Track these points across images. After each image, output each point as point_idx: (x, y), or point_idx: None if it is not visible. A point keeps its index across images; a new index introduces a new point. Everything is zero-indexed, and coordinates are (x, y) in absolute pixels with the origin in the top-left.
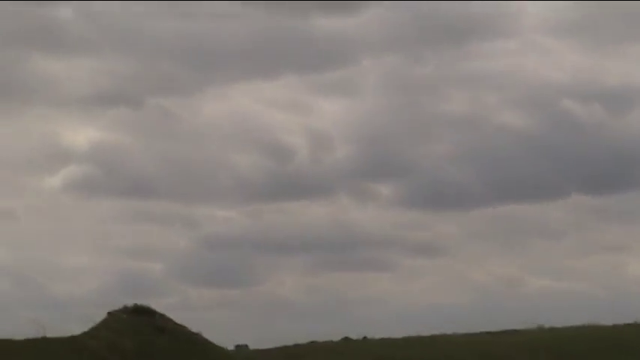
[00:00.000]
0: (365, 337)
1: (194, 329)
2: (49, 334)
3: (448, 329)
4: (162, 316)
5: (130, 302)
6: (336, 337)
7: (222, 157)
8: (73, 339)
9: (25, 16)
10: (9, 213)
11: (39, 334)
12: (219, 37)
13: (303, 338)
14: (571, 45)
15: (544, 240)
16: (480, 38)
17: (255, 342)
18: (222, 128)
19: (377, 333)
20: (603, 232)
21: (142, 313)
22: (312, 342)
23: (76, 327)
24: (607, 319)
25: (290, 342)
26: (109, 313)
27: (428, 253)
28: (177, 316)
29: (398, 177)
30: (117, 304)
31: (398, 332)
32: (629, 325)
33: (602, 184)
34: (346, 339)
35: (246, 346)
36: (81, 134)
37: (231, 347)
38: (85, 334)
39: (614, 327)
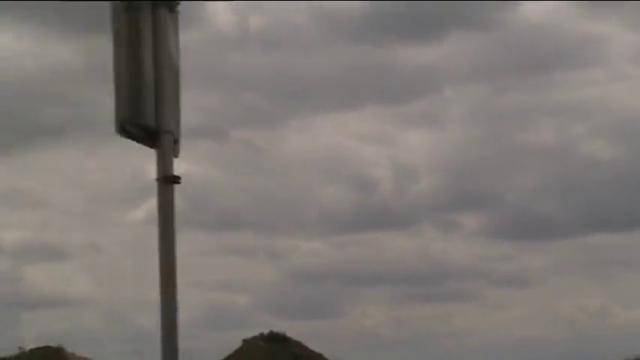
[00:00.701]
0: None
1: (329, 357)
2: None
3: None
4: (297, 343)
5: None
6: None
7: (306, 188)
8: None
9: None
10: (95, 247)
11: None
12: (303, 68)
13: None
14: None
15: (633, 271)
16: (566, 67)
17: None
18: (307, 160)
19: None
20: None
21: (277, 340)
22: None
23: None
24: None
25: None
26: (244, 341)
27: (515, 285)
28: None
29: (483, 208)
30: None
31: None
32: None
33: None
34: None
35: None
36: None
37: None
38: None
39: None
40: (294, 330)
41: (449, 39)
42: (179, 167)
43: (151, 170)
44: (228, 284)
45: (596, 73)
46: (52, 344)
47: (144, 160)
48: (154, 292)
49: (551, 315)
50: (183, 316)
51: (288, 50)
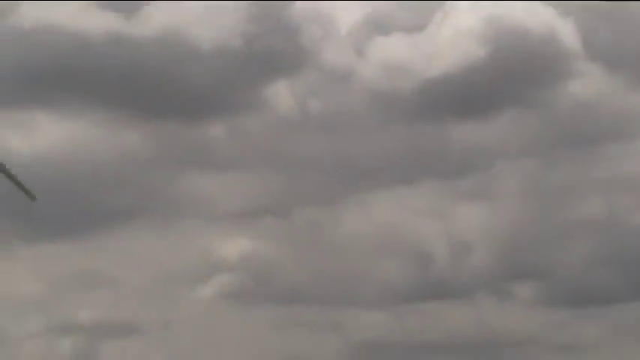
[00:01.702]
0: None
1: None
2: None
3: None
4: None
5: None
6: None
7: (366, 263)
8: None
9: (180, 136)
10: (165, 323)
11: None
12: (360, 147)
13: None
14: None
15: None
16: (611, 140)
17: None
18: (365, 235)
19: None
20: None
21: None
22: None
23: None
24: None
25: None
26: None
27: (570, 353)
28: None
29: (536, 278)
30: None
31: None
32: None
33: None
34: None
35: None
36: (232, 245)
37: None
38: None
39: None
40: None
41: (500, 115)
42: (245, 245)
43: (218, 249)
44: (295, 356)
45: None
46: None
47: (210, 240)
48: None
49: None
50: None
51: (346, 131)
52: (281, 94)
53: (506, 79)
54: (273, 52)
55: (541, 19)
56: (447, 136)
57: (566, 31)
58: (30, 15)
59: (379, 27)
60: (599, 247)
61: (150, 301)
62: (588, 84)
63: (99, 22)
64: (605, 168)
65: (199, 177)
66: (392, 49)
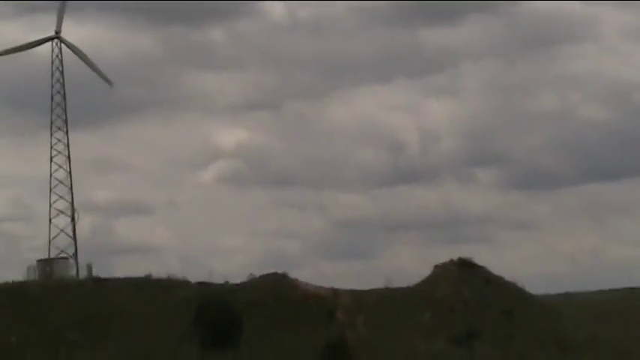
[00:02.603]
0: None
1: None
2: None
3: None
4: (484, 268)
5: None
6: None
7: (347, 151)
8: (417, 289)
9: (185, 39)
10: (170, 203)
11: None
12: (343, 49)
13: None
14: None
15: (624, 214)
16: (565, 43)
17: None
18: (347, 126)
19: None
20: None
21: (467, 265)
22: None
23: None
24: None
25: None
26: (435, 267)
27: (522, 228)
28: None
29: (495, 164)
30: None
31: None
32: None
33: None
34: None
35: None
36: (229, 135)
37: None
38: (423, 283)
39: None
40: (335, 268)
41: (466, 21)
42: (241, 135)
43: (217, 139)
44: (284, 232)
45: (589, 48)
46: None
47: (210, 130)
48: (221, 241)
49: (554, 253)
50: (247, 259)
51: (331, 35)
52: (273, 2)
53: None
54: None
55: None
56: (419, 39)
57: None
58: None
59: None
60: (551, 136)
61: (157, 183)
62: None
63: None
64: (558, 68)
65: (201, 75)
66: None
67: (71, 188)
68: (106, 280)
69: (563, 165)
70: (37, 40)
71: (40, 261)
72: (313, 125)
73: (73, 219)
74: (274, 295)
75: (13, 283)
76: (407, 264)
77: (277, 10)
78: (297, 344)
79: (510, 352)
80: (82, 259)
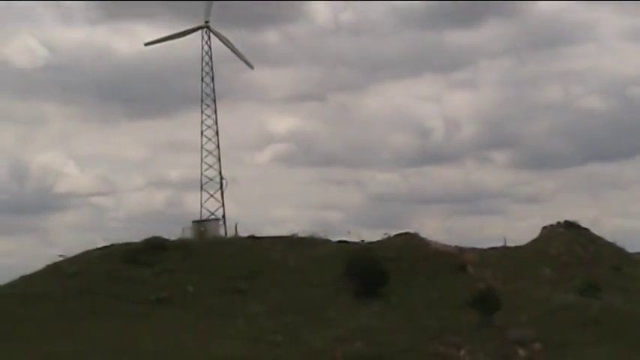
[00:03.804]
0: None
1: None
2: None
3: None
4: (587, 230)
5: None
6: None
7: (382, 136)
8: (533, 247)
9: (243, 40)
10: (232, 180)
11: None
12: (379, 49)
13: None
14: (637, 46)
15: (618, 190)
16: (569, 43)
17: None
18: (382, 115)
19: None
20: None
21: (573, 226)
22: None
23: None
24: None
25: None
26: (543, 228)
27: (532, 202)
28: None
29: (509, 147)
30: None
31: None
32: None
33: None
34: None
35: None
36: (282, 122)
37: None
38: (535, 242)
39: None
40: (373, 236)
41: (485, 23)
42: (292, 123)
43: (271, 125)
44: (328, 205)
45: (590, 47)
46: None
47: (266, 118)
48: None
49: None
50: (296, 229)
51: (369, 36)
52: (319, 8)
53: None
54: None
55: None
56: (444, 39)
57: None
58: None
59: None
60: (556, 124)
61: (222, 163)
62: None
63: None
64: (562, 64)
65: (258, 71)
66: None
67: (219, 159)
68: (260, 237)
69: (566, 148)
70: (188, 29)
71: (195, 222)
72: (353, 114)
73: (221, 186)
74: (410, 252)
75: (180, 240)
76: (432, 233)
77: (323, 13)
78: (438, 294)
79: (631, 302)
80: None
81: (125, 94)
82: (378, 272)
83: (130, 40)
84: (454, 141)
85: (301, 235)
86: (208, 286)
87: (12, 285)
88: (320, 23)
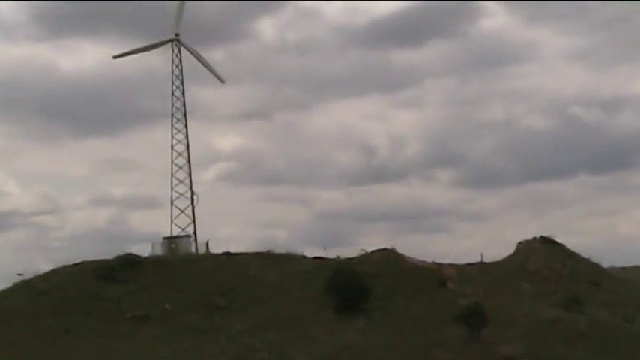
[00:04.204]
0: None
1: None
2: None
3: None
4: (563, 245)
5: None
6: None
7: (327, 154)
8: (510, 262)
9: (190, 59)
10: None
11: None
12: (324, 68)
13: None
14: (578, 66)
15: (560, 208)
16: (512, 63)
17: None
18: (328, 134)
19: None
20: (602, 202)
21: (549, 242)
22: None
23: None
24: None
25: None
26: (519, 243)
27: (475, 220)
28: None
29: (453, 165)
30: None
31: None
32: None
33: (602, 167)
34: None
35: None
36: (227, 141)
37: None
38: (512, 257)
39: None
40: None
41: (429, 44)
42: (237, 141)
43: (217, 144)
44: (273, 223)
45: (531, 67)
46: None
47: (211, 137)
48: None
49: (502, 241)
50: (243, 247)
51: (314, 55)
52: (265, 27)
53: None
54: None
55: None
56: (389, 59)
57: None
58: None
59: None
60: (498, 142)
61: (166, 181)
62: (494, 21)
63: None
64: (504, 84)
65: (204, 89)
66: None
67: (190, 174)
68: (235, 254)
69: (509, 166)
70: (158, 42)
71: (166, 238)
72: (299, 133)
73: (192, 201)
74: (389, 267)
75: (154, 256)
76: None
77: (268, 33)
78: (421, 310)
79: (615, 315)
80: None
81: (69, 111)
82: (360, 288)
83: (74, 57)
84: (399, 159)
85: (277, 251)
86: (186, 303)
87: None
88: (265, 42)
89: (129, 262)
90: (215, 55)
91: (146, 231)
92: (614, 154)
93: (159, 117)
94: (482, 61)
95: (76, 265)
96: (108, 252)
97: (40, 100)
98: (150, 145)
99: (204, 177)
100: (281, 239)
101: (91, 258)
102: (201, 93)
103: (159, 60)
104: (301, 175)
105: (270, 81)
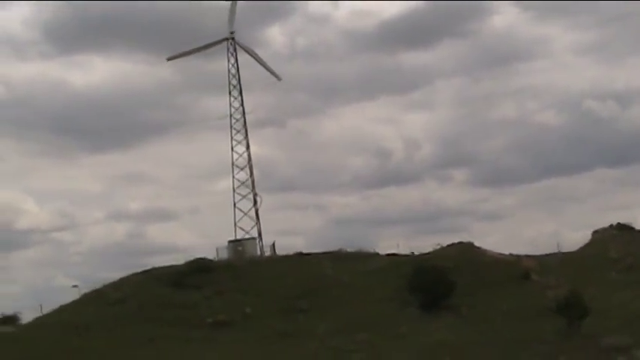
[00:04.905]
0: None
1: None
2: None
3: None
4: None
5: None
6: None
7: (341, 159)
8: (590, 252)
9: (201, 69)
10: (194, 209)
11: None
12: (335, 73)
13: None
14: (590, 60)
15: (576, 204)
16: (523, 60)
17: None
18: (340, 139)
19: None
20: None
21: (626, 228)
22: None
23: None
24: None
25: None
26: (595, 231)
27: (492, 219)
28: None
29: (466, 165)
30: None
31: None
32: None
33: (617, 160)
34: None
35: None
36: (242, 149)
37: None
38: (589, 247)
39: None
40: None
41: (440, 45)
42: (253, 148)
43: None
44: (288, 230)
45: (543, 64)
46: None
47: (225, 145)
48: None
49: (519, 238)
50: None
51: (324, 60)
52: (275, 35)
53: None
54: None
55: None
56: (399, 61)
57: None
58: None
59: None
60: (512, 140)
61: (182, 193)
62: (504, 19)
63: None
64: (516, 81)
65: (215, 99)
66: None
67: (251, 174)
68: (307, 254)
69: (523, 164)
70: (212, 42)
71: (231, 241)
72: (311, 139)
73: (255, 203)
74: (467, 261)
75: (225, 261)
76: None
77: (278, 40)
78: (508, 304)
79: None
80: None
81: (81, 127)
82: (444, 284)
83: (85, 72)
84: (413, 161)
85: (348, 249)
86: (266, 306)
87: (53, 315)
88: (275, 49)
89: (199, 267)
90: (225, 65)
91: (164, 243)
92: (630, 146)
93: (172, 128)
94: (493, 59)
95: (145, 272)
96: (129, 265)
97: (52, 116)
98: (163, 157)
99: (220, 186)
100: (298, 246)
101: (111, 272)
102: (213, 102)
103: (169, 71)
104: (315, 180)
105: (282, 88)
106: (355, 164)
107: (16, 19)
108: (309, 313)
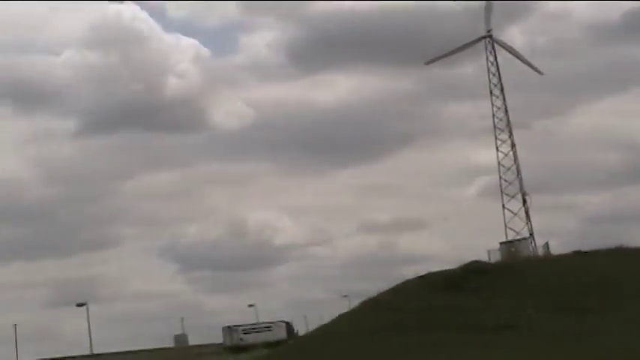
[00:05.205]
0: None
1: None
2: None
3: None
4: None
5: None
6: None
7: (590, 157)
8: None
9: (437, 75)
10: (443, 217)
11: None
12: (578, 69)
13: None
14: None
15: None
16: None
17: None
18: (588, 136)
19: None
20: None
21: None
22: None
23: None
24: None
25: None
26: None
27: None
28: None
29: None
30: None
31: None
32: None
33: None
34: None
35: None
36: (487, 154)
37: None
38: None
39: None
40: None
41: None
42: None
43: (476, 158)
44: (542, 232)
45: None
46: None
47: (469, 152)
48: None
49: None
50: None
51: (567, 57)
52: (515, 34)
53: None
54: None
55: None
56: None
57: None
58: None
59: None
60: None
61: (430, 201)
62: None
63: None
64: None
65: (458, 105)
66: None
67: (518, 174)
68: (586, 252)
69: None
70: (470, 42)
71: (503, 243)
72: (557, 137)
73: (524, 202)
74: None
75: (500, 262)
76: None
77: (517, 39)
78: None
79: None
80: None
81: (329, 143)
82: None
83: (329, 90)
84: None
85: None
86: (549, 306)
87: (335, 323)
88: (517, 48)
89: (475, 270)
90: (464, 70)
91: (415, 252)
92: None
93: (417, 137)
94: None
95: (420, 277)
96: (383, 276)
97: (301, 135)
98: (408, 167)
99: (467, 192)
100: (555, 248)
101: (367, 284)
102: (454, 109)
103: (407, 82)
104: (563, 179)
105: (525, 89)
106: (607, 161)
107: (260, 44)
108: (596, 312)
